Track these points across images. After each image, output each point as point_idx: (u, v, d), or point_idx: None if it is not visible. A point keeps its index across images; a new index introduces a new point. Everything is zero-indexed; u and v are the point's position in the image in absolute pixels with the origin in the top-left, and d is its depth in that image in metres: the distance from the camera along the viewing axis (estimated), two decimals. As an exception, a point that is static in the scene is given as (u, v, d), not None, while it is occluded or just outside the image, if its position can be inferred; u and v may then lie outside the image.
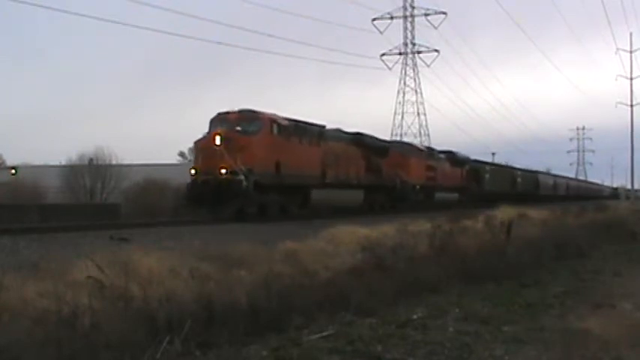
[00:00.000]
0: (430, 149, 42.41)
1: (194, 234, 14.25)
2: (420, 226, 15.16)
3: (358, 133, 31.04)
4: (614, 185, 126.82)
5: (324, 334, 6.53)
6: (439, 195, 39.23)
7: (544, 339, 6.64)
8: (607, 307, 8.47)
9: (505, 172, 58.30)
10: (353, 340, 6.32)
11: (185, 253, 9.42)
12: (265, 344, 6.11)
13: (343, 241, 13.03)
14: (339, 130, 29.82)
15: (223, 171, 21.01)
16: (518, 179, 60.36)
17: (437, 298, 8.89)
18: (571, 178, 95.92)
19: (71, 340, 5.20)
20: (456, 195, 42.47)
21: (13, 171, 42.45)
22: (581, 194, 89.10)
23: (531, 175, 67.34)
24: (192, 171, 22.18)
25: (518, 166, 68.70)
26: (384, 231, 15.02)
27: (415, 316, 7.57)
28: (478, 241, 13.00)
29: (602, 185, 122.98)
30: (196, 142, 23.01)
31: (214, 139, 21.17)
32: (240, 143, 21.50)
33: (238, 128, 22.16)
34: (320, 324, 6.94)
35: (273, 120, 23.27)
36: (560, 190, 78.81)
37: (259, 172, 21.72)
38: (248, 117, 22.71)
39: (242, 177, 20.84)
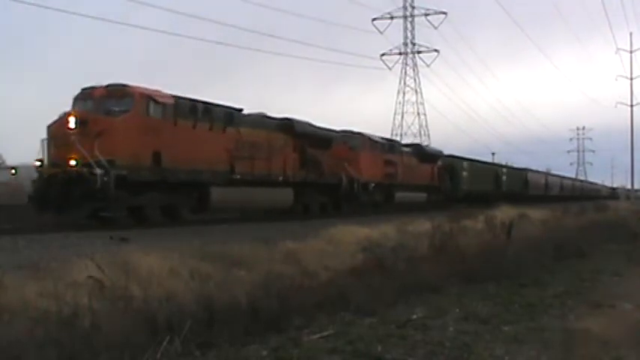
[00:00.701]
0: (391, 141, 36.47)
1: (194, 234, 14.26)
2: (420, 226, 15.18)
3: (287, 119, 25.41)
4: (614, 185, 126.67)
5: (324, 334, 6.54)
6: (401, 195, 34.18)
7: (544, 339, 6.65)
8: (607, 307, 8.48)
9: (487, 169, 52.90)
10: (353, 340, 6.32)
11: (185, 253, 9.43)
12: (265, 344, 6.11)
13: (343, 241, 13.06)
14: (261, 115, 24.46)
15: (73, 162, 16.53)
16: (504, 177, 55.08)
17: (437, 298, 8.89)
18: (565, 177, 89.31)
19: (71, 340, 5.20)
20: (423, 195, 37.55)
21: (13, 171, 42.46)
22: (576, 194, 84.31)
23: (519, 173, 61.70)
24: (37, 163, 17.50)
25: (506, 163, 64.45)
26: (384, 231, 15.05)
27: (415, 316, 7.57)
28: (478, 241, 13.01)
29: (599, 185, 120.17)
30: (49, 127, 17.56)
31: (67, 122, 16.82)
32: (101, 127, 16.82)
33: (103, 108, 17.54)
34: (320, 324, 6.94)
35: (149, 97, 18.08)
36: (554, 189, 73.38)
37: (126, 165, 17.01)
38: (116, 93, 17.76)
39: (98, 170, 16.28)
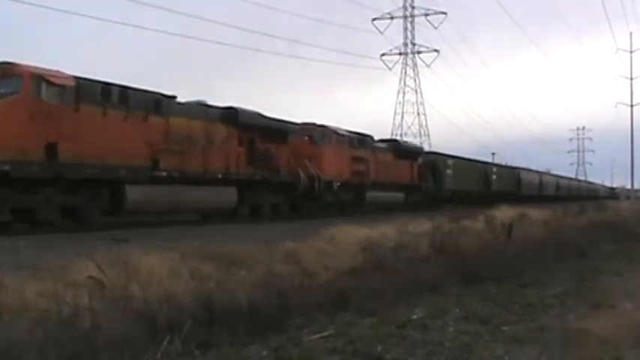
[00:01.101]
0: (361, 136, 31.81)
1: (194, 234, 14.25)
2: (420, 226, 15.18)
3: (231, 108, 22.25)
4: (613, 185, 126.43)
5: (324, 334, 6.54)
6: (373, 195, 30.92)
7: (544, 339, 6.65)
8: (607, 307, 8.48)
9: (474, 167, 48.77)
10: (353, 340, 6.32)
11: (185, 253, 9.43)
12: (265, 344, 6.12)
13: (343, 241, 13.05)
14: (199, 104, 21.61)
15: None
16: (493, 176, 51.66)
17: (437, 298, 8.90)
18: (562, 177, 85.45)
19: (71, 340, 5.20)
20: (400, 195, 34.27)
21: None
22: (573, 195, 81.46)
23: (510, 172, 58.18)
24: None
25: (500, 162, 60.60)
26: (384, 231, 15.04)
27: (415, 316, 7.57)
28: (478, 241, 13.01)
29: (597, 185, 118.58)
30: None
31: None
32: None
33: None
34: (320, 324, 6.94)
35: (41, 77, 15.33)
36: (549, 189, 69.73)
37: (9, 159, 14.41)
38: (3, 72, 15.17)
39: None
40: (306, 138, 27.42)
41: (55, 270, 7.79)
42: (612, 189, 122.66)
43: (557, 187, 75.82)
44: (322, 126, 28.33)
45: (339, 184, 28.39)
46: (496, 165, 56.82)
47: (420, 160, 38.21)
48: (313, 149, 27.12)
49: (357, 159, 30.22)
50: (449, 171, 42.07)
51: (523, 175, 60.32)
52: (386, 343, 6.28)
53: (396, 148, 35.59)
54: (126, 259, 8.21)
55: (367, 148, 31.54)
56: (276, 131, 24.29)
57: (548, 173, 75.57)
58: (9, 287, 6.64)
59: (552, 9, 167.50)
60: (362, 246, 11.96)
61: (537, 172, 69.03)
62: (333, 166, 28.04)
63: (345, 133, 29.86)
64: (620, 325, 7.12)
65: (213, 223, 20.19)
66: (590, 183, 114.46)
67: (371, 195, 30.92)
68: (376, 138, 36.34)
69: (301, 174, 25.58)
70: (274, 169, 24.05)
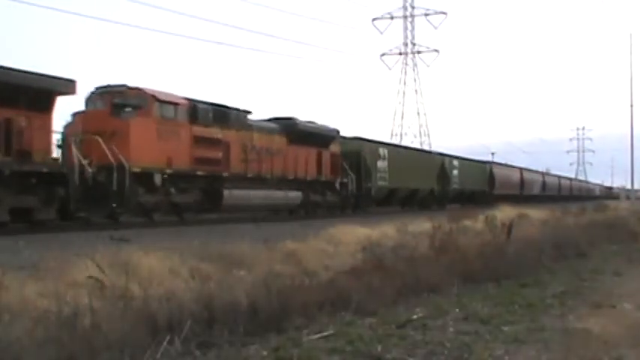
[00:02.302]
0: (220, 107, 22.51)
1: (194, 234, 14.26)
2: (420, 226, 15.19)
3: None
4: (613, 184, 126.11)
5: (324, 334, 6.54)
6: (240, 194, 22.16)
7: (544, 339, 6.64)
8: (607, 307, 8.47)
9: (422, 158, 39.37)
10: (353, 340, 6.32)
11: (185, 253, 9.44)
12: (265, 344, 6.12)
13: (343, 241, 13.08)
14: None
15: None
16: (454, 171, 42.36)
17: (437, 298, 8.90)
18: (550, 174, 76.68)
19: (71, 340, 5.20)
20: (294, 196, 25.54)
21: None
22: (564, 195, 74.36)
23: (479, 167, 48.69)
24: None
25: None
26: (384, 231, 15.06)
27: (415, 316, 7.56)
28: (478, 241, 13.01)
29: (593, 184, 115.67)
30: None
31: None
32: None
33: None
34: (320, 324, 6.94)
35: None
36: (534, 188, 61.54)
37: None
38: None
39: None
40: (103, 107, 19.14)
41: (55, 270, 7.79)
42: (609, 188, 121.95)
43: (544, 186, 67.76)
44: (136, 89, 19.69)
45: (164, 176, 19.71)
46: (458, 158, 46.22)
47: (333, 147, 28.89)
48: (116, 123, 18.58)
49: (205, 141, 21.31)
50: (382, 163, 33.03)
51: (497, 170, 51.71)
52: (386, 343, 6.27)
53: (291, 130, 25.79)
54: (126, 259, 8.22)
55: (230, 127, 22.32)
56: (28, 94, 15.54)
57: (532, 170, 66.85)
58: (9, 287, 6.64)
59: (552, 9, 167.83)
60: (362, 246, 11.98)
61: (518, 168, 61.22)
62: (153, 149, 19.32)
63: (180, 100, 20.74)
64: (620, 325, 7.12)
65: (213, 223, 20.20)
66: (586, 182, 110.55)
67: (235, 195, 22.04)
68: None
69: (80, 161, 16.79)
70: (24, 155, 15.56)
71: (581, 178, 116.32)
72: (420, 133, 67.98)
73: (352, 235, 13.88)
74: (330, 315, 7.34)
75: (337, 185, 29.06)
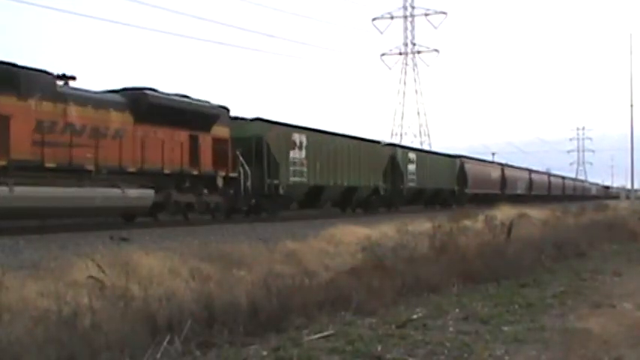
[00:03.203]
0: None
1: (194, 234, 14.27)
2: (420, 226, 15.19)
3: None
4: (611, 184, 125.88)
5: (324, 334, 6.54)
6: (25, 192, 15.20)
7: (544, 339, 6.65)
8: (607, 307, 8.47)
9: (362, 149, 30.55)
10: (353, 340, 6.32)
11: (185, 253, 9.45)
12: (265, 344, 6.12)
13: (343, 241, 13.09)
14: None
15: None
16: (409, 166, 34.87)
17: (437, 298, 8.90)
18: (539, 172, 69.15)
19: (71, 340, 5.20)
20: (141, 195, 18.56)
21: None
22: (555, 194, 67.85)
23: (446, 162, 40.86)
24: None
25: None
26: (384, 231, 15.06)
27: (415, 316, 7.56)
28: (478, 240, 13.01)
29: (588, 183, 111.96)
30: None
31: None
32: None
33: None
34: (320, 324, 6.94)
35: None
36: (518, 187, 54.96)
37: None
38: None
39: None
40: None
41: (56, 269, 7.80)
42: (607, 188, 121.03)
43: (530, 184, 60.69)
44: None
45: None
46: (416, 150, 39.62)
47: (219, 131, 21.87)
48: None
49: None
50: (296, 154, 25.78)
51: (470, 166, 43.88)
52: (386, 343, 6.27)
53: (140, 104, 18.87)
54: (126, 259, 8.23)
55: (11, 94, 15.50)
56: None
57: (516, 167, 60.19)
58: (9, 287, 6.65)
59: (552, 9, 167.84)
60: (362, 246, 11.98)
61: (499, 164, 55.39)
62: None
63: None
64: (620, 324, 7.13)
65: (213, 223, 20.20)
66: (581, 181, 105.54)
67: (17, 194, 15.19)
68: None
69: None
70: None
71: (579, 177, 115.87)
72: (420, 133, 68.09)
73: (352, 235, 13.89)
74: (330, 315, 7.34)
75: (219, 181, 21.70)
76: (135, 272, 7.64)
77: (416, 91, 69.28)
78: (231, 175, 22.32)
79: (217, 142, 21.81)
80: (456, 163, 42.33)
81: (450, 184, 40.17)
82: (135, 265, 8.10)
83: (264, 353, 5.85)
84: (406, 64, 69.02)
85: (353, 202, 30.91)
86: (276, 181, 24.72)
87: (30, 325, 5.53)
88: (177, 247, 10.03)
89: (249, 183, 22.94)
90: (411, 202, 34.74)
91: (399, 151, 35.86)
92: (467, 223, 17.02)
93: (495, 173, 50.48)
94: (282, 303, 7.00)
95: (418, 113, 69.32)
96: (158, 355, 5.39)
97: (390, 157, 33.96)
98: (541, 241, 14.85)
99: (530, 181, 60.99)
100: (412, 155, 36.69)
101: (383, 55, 69.72)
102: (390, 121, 71.73)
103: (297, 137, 26.32)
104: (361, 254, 11.09)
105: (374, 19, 68.48)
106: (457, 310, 8.04)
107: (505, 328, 7.08)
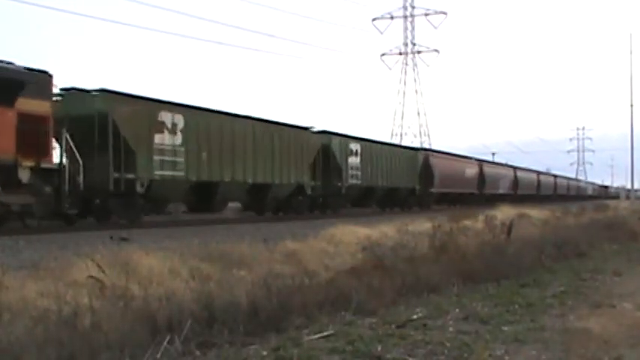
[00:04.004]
0: None
1: (194, 234, 14.27)
2: (420, 226, 15.20)
3: None
4: (611, 184, 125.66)
5: (324, 334, 6.53)
6: None
7: (544, 339, 6.64)
8: (607, 307, 8.47)
9: (279, 136, 25.00)
10: (353, 340, 6.31)
11: (185, 253, 9.45)
12: (265, 344, 6.11)
13: (343, 241, 13.09)
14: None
15: None
16: (351, 159, 29.05)
17: (437, 298, 8.89)
18: (526, 169, 63.30)
19: (71, 340, 5.20)
20: None
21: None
22: (545, 194, 63.33)
23: (404, 155, 34.71)
24: None
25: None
26: (384, 231, 15.07)
27: (415, 316, 7.56)
28: (478, 240, 13.01)
29: (585, 182, 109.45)
30: None
31: None
32: None
33: None
34: (320, 324, 6.94)
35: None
36: (500, 186, 49.91)
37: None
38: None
39: None
40: None
41: (56, 269, 7.80)
42: (605, 187, 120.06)
43: (516, 183, 55.61)
44: None
45: None
46: (362, 140, 31.37)
47: (29, 104, 15.73)
48: None
49: None
50: (166, 139, 19.93)
51: (436, 162, 37.61)
52: (386, 343, 6.27)
53: None
54: (126, 259, 8.23)
55: None
56: None
57: (498, 163, 55.75)
58: (9, 287, 6.65)
59: (553, 9, 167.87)
60: (362, 246, 11.99)
61: (477, 160, 48.49)
62: None
63: None
64: (620, 324, 7.12)
65: (213, 223, 20.20)
66: (576, 180, 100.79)
67: None
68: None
69: None
70: None
71: (579, 177, 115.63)
72: (420, 133, 68.03)
73: (352, 235, 13.89)
74: (330, 315, 7.33)
75: (23, 174, 15.48)
76: (135, 272, 7.64)
77: (416, 91, 69.32)
78: (46, 165, 16.03)
79: (26, 119, 15.53)
80: (418, 157, 36.53)
81: (409, 182, 34.29)
82: (135, 265, 8.10)
83: (264, 353, 5.84)
84: (406, 64, 69.09)
85: (267, 204, 24.78)
86: (130, 176, 18.76)
87: (30, 324, 5.53)
88: (177, 247, 10.02)
89: (80, 177, 16.67)
90: (356, 203, 29.03)
91: (336, 140, 29.00)
92: (467, 223, 17.03)
93: (471, 170, 44.34)
94: (282, 303, 7.00)
95: (418, 113, 69.37)
96: (158, 355, 5.39)
97: (322, 147, 27.59)
98: (541, 241, 14.84)
99: (516, 180, 55.90)
100: (355, 146, 29.77)
101: (383, 55, 69.77)
102: (390, 121, 71.69)
103: (167, 117, 19.99)
104: (361, 254, 11.09)
105: (374, 19, 68.54)
106: (457, 310, 8.03)
107: (505, 328, 7.08)
